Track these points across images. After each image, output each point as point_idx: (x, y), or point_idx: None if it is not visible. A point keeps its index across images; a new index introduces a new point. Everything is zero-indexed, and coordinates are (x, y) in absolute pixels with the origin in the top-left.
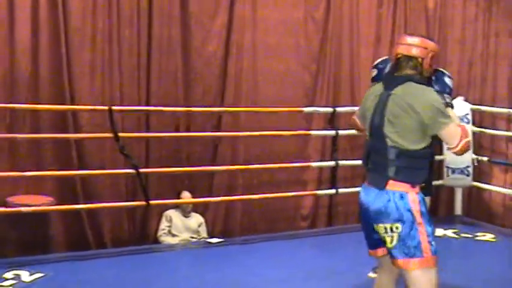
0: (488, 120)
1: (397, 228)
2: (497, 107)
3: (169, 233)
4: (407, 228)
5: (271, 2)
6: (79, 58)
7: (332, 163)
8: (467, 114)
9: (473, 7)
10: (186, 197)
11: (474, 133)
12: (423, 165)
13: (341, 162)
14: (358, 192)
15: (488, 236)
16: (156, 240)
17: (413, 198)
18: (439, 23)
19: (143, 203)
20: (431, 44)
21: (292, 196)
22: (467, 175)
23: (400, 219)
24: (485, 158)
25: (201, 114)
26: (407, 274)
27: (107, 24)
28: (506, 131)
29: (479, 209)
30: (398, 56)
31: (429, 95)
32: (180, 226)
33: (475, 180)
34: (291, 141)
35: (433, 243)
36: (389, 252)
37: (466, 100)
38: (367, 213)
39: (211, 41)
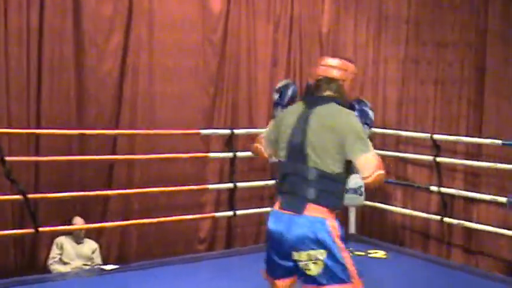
0: (379, 142)
1: (321, 254)
2: (386, 129)
3: (61, 261)
4: (331, 255)
5: (168, 24)
6: None
7: (230, 185)
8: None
9: (364, 34)
10: (78, 223)
11: None
12: (341, 190)
13: (239, 184)
14: (256, 214)
15: (380, 253)
16: (46, 269)
17: (332, 223)
18: (332, 47)
19: (32, 230)
20: (351, 66)
21: (190, 219)
22: (360, 194)
23: (324, 246)
24: None
25: (95, 136)
26: None
27: None
28: (395, 152)
29: (371, 227)
30: (319, 77)
31: (352, 119)
32: (72, 253)
33: (367, 199)
34: (188, 164)
35: (352, 260)
36: (311, 280)
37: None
38: (281, 241)
39: (106, 61)
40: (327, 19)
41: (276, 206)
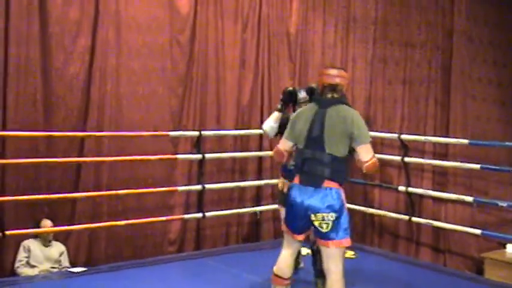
0: None
1: (332, 216)
2: None
3: (28, 264)
4: (339, 217)
5: (135, 26)
6: None
7: (199, 187)
8: None
9: (332, 34)
10: (47, 225)
11: None
12: (347, 169)
13: (208, 186)
14: (225, 216)
15: (349, 253)
16: (14, 273)
17: (343, 194)
18: (301, 48)
19: None
20: (346, 74)
21: (159, 221)
22: None
23: (334, 210)
24: None
25: (62, 139)
26: (331, 251)
27: None
28: None
29: None
30: (324, 84)
31: (357, 117)
32: (39, 256)
33: None
34: (157, 166)
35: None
36: (323, 235)
37: None
38: (302, 206)
39: (73, 63)
40: (295, 20)
41: (297, 181)
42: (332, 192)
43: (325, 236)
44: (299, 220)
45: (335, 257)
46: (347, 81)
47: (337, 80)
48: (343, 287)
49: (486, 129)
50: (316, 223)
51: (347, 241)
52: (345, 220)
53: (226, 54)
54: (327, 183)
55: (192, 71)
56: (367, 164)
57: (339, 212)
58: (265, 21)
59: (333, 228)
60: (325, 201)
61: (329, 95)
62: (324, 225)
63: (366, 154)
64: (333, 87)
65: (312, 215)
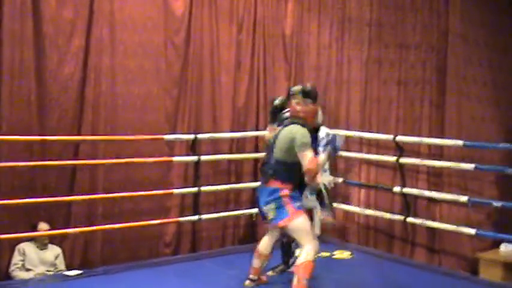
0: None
1: (272, 206)
2: (350, 131)
3: (23, 267)
4: (278, 206)
5: (130, 26)
6: None
7: (195, 189)
8: (323, 137)
9: (327, 35)
10: (44, 228)
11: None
12: (290, 171)
13: (203, 188)
14: (221, 218)
15: (346, 254)
16: (9, 276)
17: (284, 192)
18: (296, 49)
19: None
20: (312, 108)
21: (155, 224)
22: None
23: (274, 201)
24: (340, 180)
25: (57, 141)
26: (287, 228)
27: None
28: (359, 153)
29: (336, 228)
30: (291, 115)
31: (301, 131)
32: (34, 259)
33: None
34: (153, 168)
35: (296, 205)
36: (271, 221)
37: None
38: (258, 200)
39: (67, 64)
40: (290, 21)
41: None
42: (273, 188)
43: (273, 221)
44: (262, 211)
45: (293, 231)
46: (312, 113)
47: (301, 115)
48: (310, 253)
49: (481, 130)
50: (266, 212)
51: (289, 219)
52: (283, 207)
53: (222, 55)
54: (272, 182)
55: (187, 72)
56: (305, 169)
57: (278, 203)
58: (260, 23)
59: (276, 215)
60: (268, 195)
61: (290, 119)
62: (270, 213)
63: (303, 160)
64: (297, 117)
65: (264, 208)
